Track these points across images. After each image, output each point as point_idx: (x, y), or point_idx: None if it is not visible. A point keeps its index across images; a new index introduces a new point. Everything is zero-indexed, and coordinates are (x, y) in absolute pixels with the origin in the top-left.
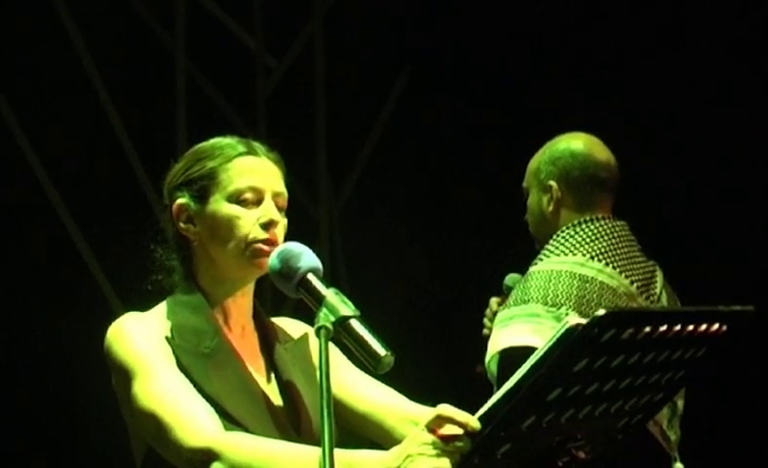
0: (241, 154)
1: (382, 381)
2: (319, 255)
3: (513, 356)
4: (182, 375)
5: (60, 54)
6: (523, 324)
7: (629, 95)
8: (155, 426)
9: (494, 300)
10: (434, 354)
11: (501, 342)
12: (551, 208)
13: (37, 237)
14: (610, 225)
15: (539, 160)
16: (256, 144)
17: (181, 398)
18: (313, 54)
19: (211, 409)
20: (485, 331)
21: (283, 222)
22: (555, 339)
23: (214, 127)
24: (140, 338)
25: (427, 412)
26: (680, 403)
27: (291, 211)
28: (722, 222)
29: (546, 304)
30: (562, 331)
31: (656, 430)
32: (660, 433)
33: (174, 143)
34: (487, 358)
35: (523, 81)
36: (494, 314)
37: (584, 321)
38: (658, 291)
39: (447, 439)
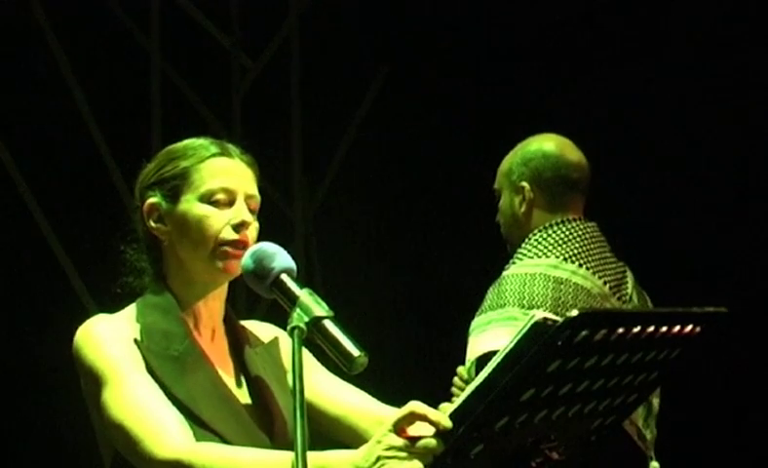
0: (214, 155)
1: (356, 382)
2: (293, 256)
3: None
4: (152, 381)
5: (35, 54)
6: (501, 328)
7: (601, 96)
8: (125, 436)
9: (462, 369)
10: (408, 355)
11: (479, 348)
12: (523, 209)
13: (10, 237)
14: (582, 227)
15: (511, 161)
16: (230, 146)
17: (151, 407)
18: (289, 54)
19: (182, 418)
20: (454, 399)
21: (254, 225)
22: (522, 334)
23: (190, 126)
24: (110, 342)
25: (399, 410)
26: (656, 402)
27: (266, 211)
28: (694, 224)
29: (522, 307)
30: (529, 325)
31: (632, 430)
32: (636, 432)
33: (150, 143)
34: (467, 365)
35: (499, 82)
36: (463, 381)
37: (550, 315)
38: (629, 291)
39: (417, 439)
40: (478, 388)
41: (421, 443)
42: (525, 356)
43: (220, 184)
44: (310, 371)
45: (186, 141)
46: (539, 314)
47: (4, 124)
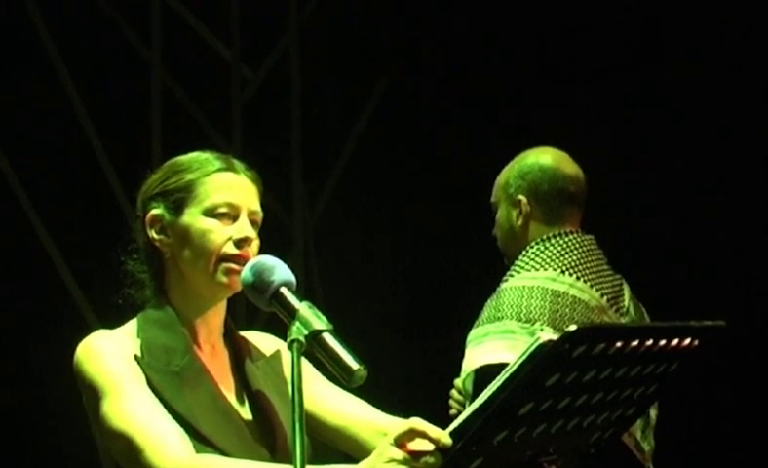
0: (220, 169)
1: (355, 394)
2: (293, 267)
3: (488, 374)
4: (153, 395)
5: (36, 64)
6: (498, 341)
7: (599, 104)
8: (125, 448)
9: (458, 381)
10: (408, 367)
11: (476, 360)
12: (520, 222)
13: (11, 249)
14: (579, 239)
15: (508, 174)
16: (236, 161)
17: (152, 419)
18: (289, 65)
19: (182, 431)
20: (452, 412)
21: (256, 241)
22: (527, 355)
23: (190, 137)
24: (111, 357)
25: (400, 425)
26: (654, 413)
27: (266, 222)
28: (691, 237)
29: (520, 320)
30: (534, 347)
31: (630, 441)
32: (634, 444)
33: (150, 154)
34: (462, 376)
35: (498, 93)
36: (460, 393)
37: (555, 337)
38: (626, 303)
39: (417, 454)
40: (479, 407)
41: (420, 457)
42: (525, 371)
43: (224, 199)
44: (310, 382)
45: (192, 154)
46: (544, 336)
47: (4, 135)
